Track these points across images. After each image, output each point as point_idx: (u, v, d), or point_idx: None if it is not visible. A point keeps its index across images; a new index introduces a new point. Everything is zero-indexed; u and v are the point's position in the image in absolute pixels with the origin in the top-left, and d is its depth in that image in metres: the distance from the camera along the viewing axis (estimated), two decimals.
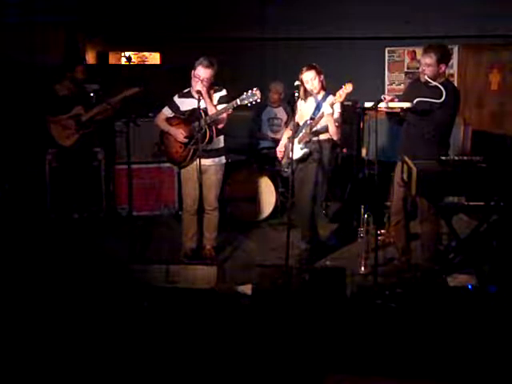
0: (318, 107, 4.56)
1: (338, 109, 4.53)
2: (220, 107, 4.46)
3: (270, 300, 3.72)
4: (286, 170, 4.80)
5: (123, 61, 7.18)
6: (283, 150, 4.83)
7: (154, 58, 7.27)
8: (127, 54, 7.10)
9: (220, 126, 4.55)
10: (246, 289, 4.01)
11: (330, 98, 4.50)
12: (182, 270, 4.09)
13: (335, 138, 4.58)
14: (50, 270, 4.45)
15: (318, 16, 6.87)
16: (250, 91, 4.30)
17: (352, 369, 3.07)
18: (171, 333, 3.44)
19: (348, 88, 4.27)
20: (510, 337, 3.34)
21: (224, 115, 4.47)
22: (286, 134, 4.86)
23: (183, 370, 3.08)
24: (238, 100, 4.32)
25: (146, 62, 7.27)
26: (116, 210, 6.19)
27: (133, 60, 7.01)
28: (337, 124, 4.52)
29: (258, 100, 4.32)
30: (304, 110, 4.67)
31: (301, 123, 4.70)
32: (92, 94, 5.36)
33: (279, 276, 3.90)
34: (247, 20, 6.93)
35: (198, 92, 4.31)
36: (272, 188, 5.90)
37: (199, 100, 4.28)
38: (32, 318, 3.62)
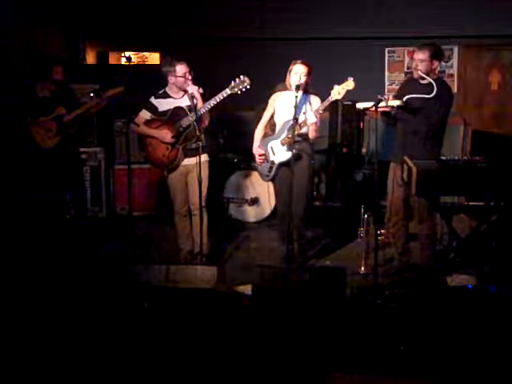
0: (301, 106, 4.35)
1: (314, 119, 4.27)
2: (211, 101, 4.37)
3: (269, 300, 3.72)
4: (268, 173, 4.61)
5: (123, 61, 7.18)
6: (262, 152, 4.59)
7: (153, 58, 7.27)
8: (127, 54, 7.10)
9: (204, 124, 4.51)
10: (246, 289, 4.01)
11: (316, 100, 4.42)
12: (181, 270, 4.09)
13: (311, 137, 4.41)
14: (50, 271, 4.44)
15: (317, 16, 6.87)
16: (237, 79, 4.29)
17: (352, 368, 3.07)
18: (171, 333, 3.44)
19: (349, 85, 4.14)
20: (510, 337, 3.34)
21: (206, 112, 4.42)
22: (259, 134, 4.67)
23: (183, 370, 3.08)
24: (227, 89, 4.29)
25: (146, 62, 7.27)
26: (116, 210, 6.19)
27: (133, 60, 7.00)
28: (314, 132, 4.39)
29: (248, 87, 4.27)
30: (283, 106, 4.49)
31: (277, 120, 4.55)
32: (92, 94, 5.33)
33: (279, 276, 3.90)
34: (247, 20, 6.93)
35: (192, 95, 4.30)
36: (272, 188, 5.90)
37: (193, 98, 4.28)
38: (32, 319, 3.62)
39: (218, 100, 4.32)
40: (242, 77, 4.29)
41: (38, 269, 4.48)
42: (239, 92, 4.29)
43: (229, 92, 4.29)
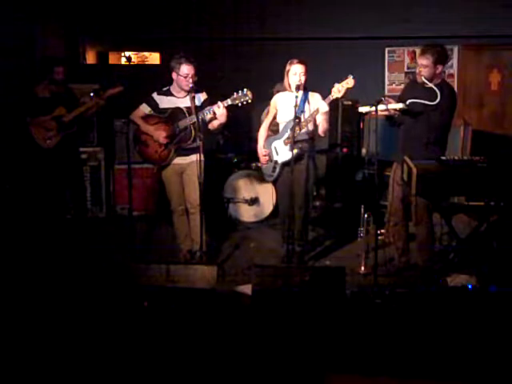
0: (301, 105, 4.36)
1: (326, 107, 4.30)
2: (209, 107, 4.38)
3: (270, 300, 3.72)
4: (271, 173, 4.63)
5: (123, 61, 7.19)
6: (265, 153, 4.63)
7: (153, 57, 7.27)
8: (127, 53, 7.11)
9: (218, 124, 4.49)
10: (246, 289, 4.01)
11: (316, 97, 4.43)
12: (182, 269, 4.08)
13: (322, 135, 4.50)
14: (50, 270, 4.44)
15: (318, 16, 6.87)
16: (240, 91, 4.29)
17: (352, 369, 3.07)
18: (171, 333, 3.44)
19: (349, 83, 4.14)
20: (510, 337, 3.34)
21: (223, 113, 4.37)
22: (262, 134, 4.70)
23: (183, 370, 3.08)
24: (229, 100, 4.30)
25: (146, 62, 7.28)
26: (116, 209, 6.18)
27: (133, 60, 7.01)
28: (325, 123, 4.44)
29: (250, 101, 4.29)
30: (285, 106, 4.51)
31: (280, 120, 4.57)
32: (92, 94, 5.33)
33: (279, 276, 3.89)
34: (247, 20, 6.93)
35: (192, 96, 4.29)
36: (271, 188, 5.90)
37: (193, 100, 4.27)
38: (32, 318, 3.62)
39: (217, 109, 4.32)
40: (245, 90, 4.29)
41: (38, 268, 4.48)
42: (239, 104, 4.29)
43: (230, 103, 4.30)
